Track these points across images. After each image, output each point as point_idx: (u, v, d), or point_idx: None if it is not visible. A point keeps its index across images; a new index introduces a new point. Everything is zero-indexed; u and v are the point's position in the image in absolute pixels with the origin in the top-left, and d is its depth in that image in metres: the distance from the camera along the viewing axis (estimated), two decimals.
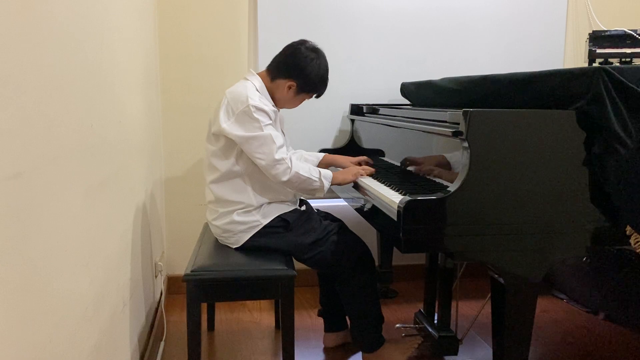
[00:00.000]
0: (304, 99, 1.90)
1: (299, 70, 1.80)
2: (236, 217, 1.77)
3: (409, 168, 1.80)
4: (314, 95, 1.90)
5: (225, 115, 1.72)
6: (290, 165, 1.72)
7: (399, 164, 1.92)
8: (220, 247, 1.83)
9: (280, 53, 1.86)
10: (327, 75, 1.87)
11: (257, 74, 1.86)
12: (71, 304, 1.03)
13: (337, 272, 1.84)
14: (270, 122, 1.73)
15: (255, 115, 1.69)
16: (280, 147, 1.72)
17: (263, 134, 1.69)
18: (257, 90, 1.79)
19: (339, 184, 1.88)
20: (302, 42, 1.84)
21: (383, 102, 2.67)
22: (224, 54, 2.57)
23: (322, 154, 2.13)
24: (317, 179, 1.77)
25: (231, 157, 1.76)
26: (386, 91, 2.68)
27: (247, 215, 1.77)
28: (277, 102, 1.87)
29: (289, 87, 1.83)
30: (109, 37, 1.42)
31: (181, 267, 2.59)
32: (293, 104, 1.90)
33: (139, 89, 1.89)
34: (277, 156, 1.70)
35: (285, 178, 1.72)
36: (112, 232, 1.41)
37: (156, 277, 2.26)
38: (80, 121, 1.12)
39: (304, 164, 1.83)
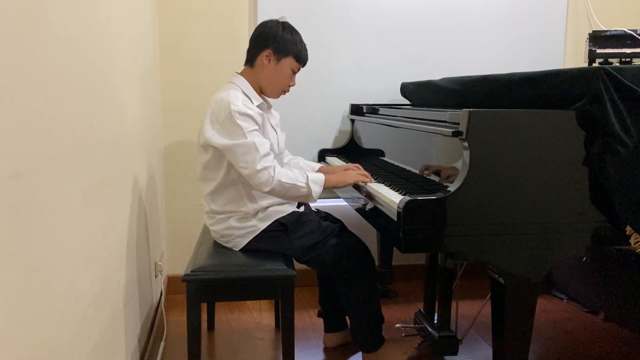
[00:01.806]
0: (291, 68, 1.81)
1: (267, 37, 1.77)
2: (233, 223, 1.76)
3: (409, 168, 1.80)
4: (299, 62, 1.82)
5: (210, 124, 1.69)
6: (272, 174, 1.64)
7: (399, 164, 1.91)
8: (220, 248, 1.83)
9: (249, 42, 1.84)
10: (301, 39, 1.82)
11: (239, 73, 1.83)
12: (71, 304, 1.03)
13: (337, 273, 1.84)
14: (255, 127, 1.68)
15: (238, 121, 1.64)
16: (265, 155, 1.66)
17: (246, 142, 1.64)
18: (243, 92, 1.75)
19: (334, 187, 1.82)
20: (265, 21, 1.84)
21: (383, 102, 2.67)
22: (224, 54, 2.57)
23: (319, 165, 2.07)
24: (303, 185, 1.69)
25: (223, 167, 1.73)
26: (386, 91, 2.68)
27: (244, 221, 1.77)
28: (268, 86, 1.82)
29: (267, 58, 1.78)
30: (109, 37, 1.42)
31: (181, 267, 2.59)
32: (282, 78, 1.81)
33: (139, 89, 1.89)
34: (259, 166, 1.63)
35: (267, 188, 1.65)
36: (112, 232, 1.41)
37: (156, 277, 2.26)
38: (80, 121, 1.12)
39: (291, 170, 1.75)
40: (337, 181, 1.79)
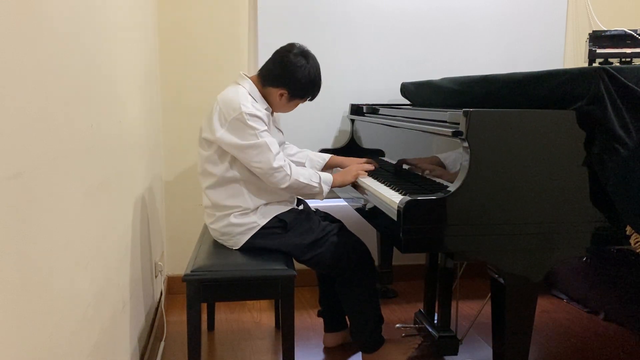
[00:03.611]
0: (298, 104, 1.88)
1: (288, 79, 1.78)
2: (233, 220, 1.77)
3: (409, 168, 1.80)
4: (308, 99, 1.88)
5: (219, 122, 1.70)
6: (289, 173, 1.72)
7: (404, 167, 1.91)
8: (220, 247, 1.83)
9: (270, 60, 1.83)
10: (319, 78, 1.83)
11: (249, 77, 1.84)
12: (71, 304, 1.03)
13: (337, 273, 1.84)
14: (265, 128, 1.71)
15: (249, 122, 1.67)
16: (277, 153, 1.71)
17: (259, 142, 1.67)
18: (249, 94, 1.76)
19: (339, 187, 1.89)
20: (290, 48, 1.80)
21: (383, 102, 2.67)
22: (224, 54, 2.57)
23: (329, 156, 2.12)
24: (316, 185, 1.78)
25: (225, 162, 1.75)
26: (386, 91, 2.68)
27: (244, 217, 1.77)
28: (275, 109, 1.88)
29: (281, 95, 1.80)
30: (109, 37, 1.42)
31: (181, 267, 2.59)
32: (287, 109, 1.89)
33: (139, 89, 1.89)
34: (275, 164, 1.69)
35: (284, 185, 1.72)
36: (112, 232, 1.41)
37: (156, 277, 2.26)
38: (80, 121, 1.12)
39: (304, 169, 1.82)
40: (341, 181, 1.87)
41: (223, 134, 1.69)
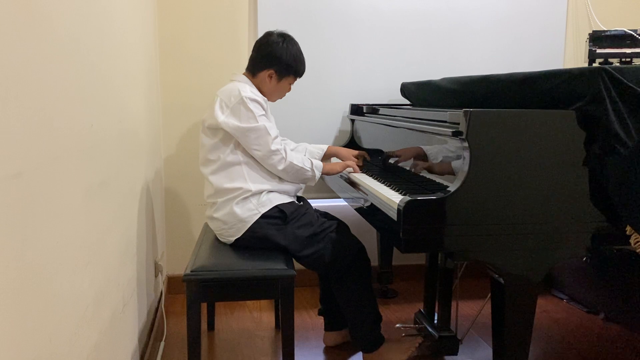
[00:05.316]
0: (289, 83, 1.98)
1: (272, 58, 1.90)
2: (235, 208, 1.79)
3: (408, 167, 1.80)
4: (297, 76, 1.98)
5: (220, 109, 1.80)
6: (284, 156, 1.82)
7: (399, 164, 1.91)
8: (220, 247, 1.83)
9: (252, 50, 1.96)
10: (300, 53, 1.96)
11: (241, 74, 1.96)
12: (71, 304, 1.03)
13: (333, 272, 1.84)
14: (263, 112, 1.83)
15: (249, 105, 1.78)
16: (275, 138, 1.82)
17: (258, 126, 1.77)
18: (246, 84, 1.87)
19: (327, 174, 2.00)
20: (269, 34, 1.94)
21: (383, 102, 2.67)
22: (224, 54, 2.57)
23: (326, 146, 2.21)
24: (309, 169, 1.89)
25: (229, 148, 1.81)
26: (386, 91, 2.68)
27: (245, 203, 1.79)
28: (267, 96, 1.95)
29: (270, 77, 1.91)
30: (110, 37, 1.42)
31: (181, 267, 2.59)
32: (280, 92, 1.99)
33: (139, 89, 1.89)
34: (273, 147, 1.80)
35: (281, 167, 1.82)
36: (112, 232, 1.41)
37: (156, 277, 2.26)
38: (80, 121, 1.12)
39: (298, 154, 1.92)
40: (329, 169, 2.01)
41: (225, 119, 1.78)
